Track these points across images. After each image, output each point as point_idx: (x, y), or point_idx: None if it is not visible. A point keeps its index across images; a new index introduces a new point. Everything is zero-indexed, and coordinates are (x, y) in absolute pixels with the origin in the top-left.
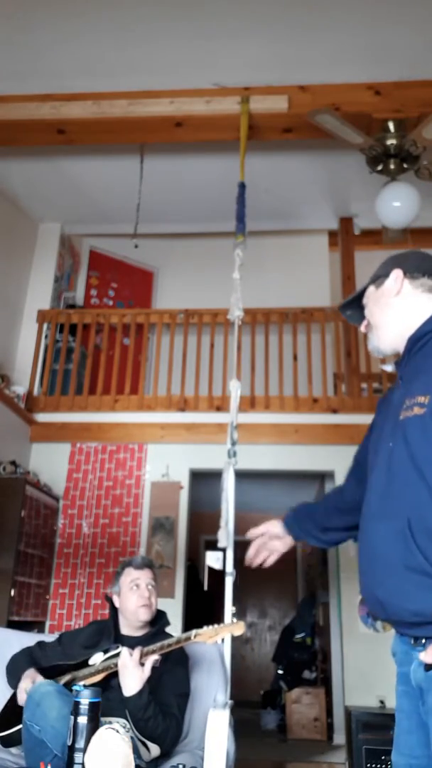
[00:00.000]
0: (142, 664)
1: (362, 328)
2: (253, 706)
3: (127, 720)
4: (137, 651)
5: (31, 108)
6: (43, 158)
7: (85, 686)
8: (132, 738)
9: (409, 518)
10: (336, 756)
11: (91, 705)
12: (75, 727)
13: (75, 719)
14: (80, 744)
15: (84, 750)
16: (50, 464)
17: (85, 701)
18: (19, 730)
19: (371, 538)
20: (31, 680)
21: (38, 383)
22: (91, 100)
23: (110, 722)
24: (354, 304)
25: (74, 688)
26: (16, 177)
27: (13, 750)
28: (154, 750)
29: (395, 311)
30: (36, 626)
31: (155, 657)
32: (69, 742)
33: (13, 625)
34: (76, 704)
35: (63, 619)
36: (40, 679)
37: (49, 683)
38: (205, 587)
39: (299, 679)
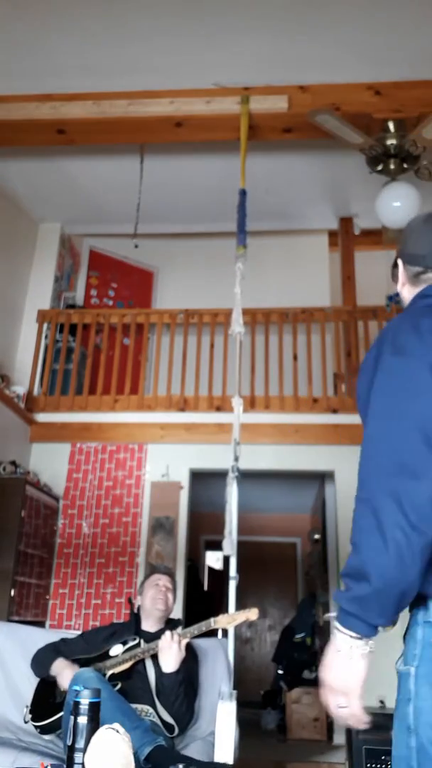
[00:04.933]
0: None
1: None
2: (253, 706)
3: (153, 706)
4: (176, 634)
5: (31, 108)
6: (43, 158)
7: (114, 674)
8: (149, 721)
9: None
10: (336, 756)
11: (91, 705)
12: (75, 727)
13: (75, 719)
14: (80, 744)
15: (84, 750)
16: (50, 464)
17: (85, 701)
18: (58, 718)
19: None
20: (67, 668)
21: (38, 383)
22: (91, 100)
23: (139, 709)
24: None
25: (74, 688)
26: (16, 177)
27: (46, 737)
28: (175, 730)
29: (403, 303)
30: (36, 626)
31: (187, 640)
32: (69, 742)
33: None
34: (76, 704)
35: (63, 619)
36: (73, 666)
37: (89, 670)
38: (205, 587)
39: (299, 679)
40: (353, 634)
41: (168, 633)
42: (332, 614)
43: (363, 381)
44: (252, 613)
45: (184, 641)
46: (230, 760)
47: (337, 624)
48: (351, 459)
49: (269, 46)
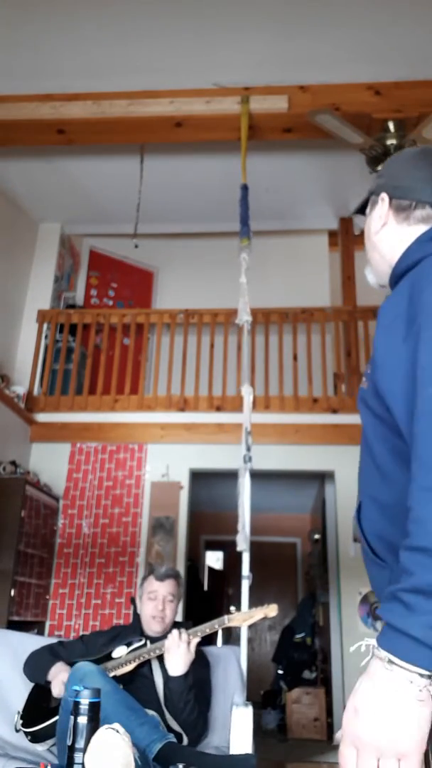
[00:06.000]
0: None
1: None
2: (254, 706)
3: (160, 712)
4: (184, 633)
5: (31, 108)
6: (43, 158)
7: (116, 677)
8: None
9: (361, 502)
10: (336, 756)
11: (91, 705)
12: (75, 727)
13: (75, 719)
14: (80, 744)
15: (84, 750)
16: (50, 464)
17: (85, 701)
18: (51, 724)
19: None
20: (63, 671)
21: (38, 383)
22: (91, 100)
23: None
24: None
25: (74, 688)
26: (16, 177)
27: (39, 747)
28: (185, 741)
29: (381, 249)
30: (36, 626)
31: (198, 639)
32: (69, 742)
33: (13, 625)
34: (76, 704)
35: (63, 619)
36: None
37: (88, 663)
38: (205, 587)
39: (299, 679)
40: (424, 671)
41: (175, 631)
42: (371, 642)
43: (390, 345)
44: (270, 610)
45: (195, 640)
46: None
47: (392, 657)
48: (351, 459)
49: (269, 46)
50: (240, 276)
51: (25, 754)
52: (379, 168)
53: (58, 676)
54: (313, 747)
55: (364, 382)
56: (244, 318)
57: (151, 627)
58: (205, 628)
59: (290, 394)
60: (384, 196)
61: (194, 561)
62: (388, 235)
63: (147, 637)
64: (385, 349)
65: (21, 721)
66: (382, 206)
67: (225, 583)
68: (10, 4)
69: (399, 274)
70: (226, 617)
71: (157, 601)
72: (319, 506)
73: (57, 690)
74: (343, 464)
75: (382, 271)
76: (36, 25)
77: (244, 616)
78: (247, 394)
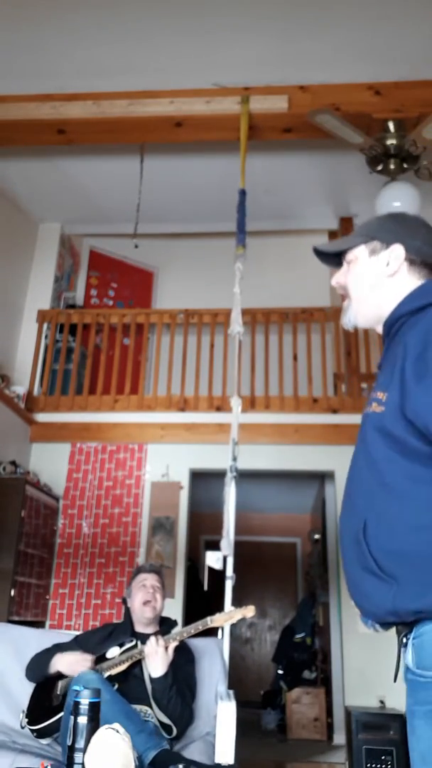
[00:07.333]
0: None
1: (334, 283)
2: (253, 706)
3: (150, 707)
4: (161, 638)
5: (31, 108)
6: (43, 158)
7: (110, 676)
8: (152, 723)
9: (366, 519)
10: (336, 756)
11: (91, 705)
12: (75, 727)
13: (75, 719)
14: (80, 744)
15: (84, 750)
16: (50, 464)
17: (85, 701)
18: (55, 721)
19: (341, 537)
20: (67, 654)
21: (38, 383)
22: (91, 100)
23: (137, 710)
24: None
25: (73, 687)
26: (16, 177)
27: (43, 741)
28: (174, 731)
29: (383, 292)
30: (36, 626)
31: (176, 643)
32: (69, 742)
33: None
34: (76, 704)
35: (63, 619)
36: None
37: (91, 672)
38: (205, 587)
39: (299, 679)
40: None
41: (153, 638)
42: None
43: (423, 376)
44: (248, 611)
45: (173, 644)
46: (231, 760)
47: None
48: (350, 459)
49: (269, 46)
50: (234, 286)
51: (32, 741)
52: (379, 167)
53: (62, 659)
54: (313, 747)
55: (377, 406)
56: (237, 329)
57: (145, 614)
58: (191, 630)
59: (290, 394)
60: (397, 247)
61: (194, 561)
62: (398, 283)
63: (137, 637)
64: (418, 382)
65: (27, 720)
66: (396, 258)
67: (225, 583)
68: (10, 4)
69: (397, 317)
70: (209, 618)
71: (147, 587)
72: (319, 506)
73: (57, 664)
74: (343, 464)
75: (377, 314)
76: (36, 25)
77: (225, 617)
78: (236, 405)
